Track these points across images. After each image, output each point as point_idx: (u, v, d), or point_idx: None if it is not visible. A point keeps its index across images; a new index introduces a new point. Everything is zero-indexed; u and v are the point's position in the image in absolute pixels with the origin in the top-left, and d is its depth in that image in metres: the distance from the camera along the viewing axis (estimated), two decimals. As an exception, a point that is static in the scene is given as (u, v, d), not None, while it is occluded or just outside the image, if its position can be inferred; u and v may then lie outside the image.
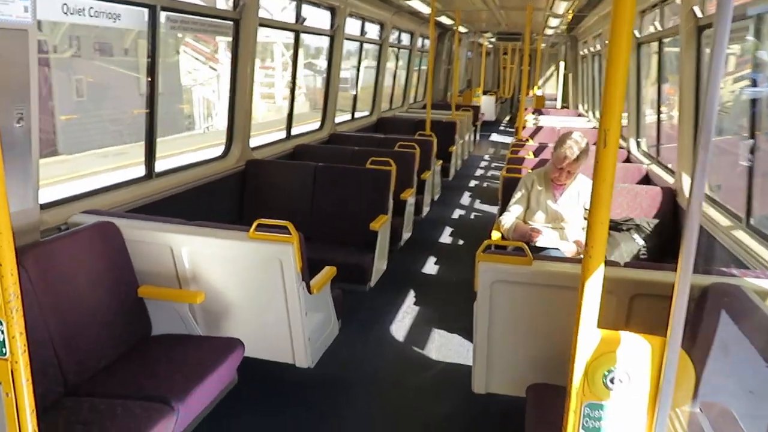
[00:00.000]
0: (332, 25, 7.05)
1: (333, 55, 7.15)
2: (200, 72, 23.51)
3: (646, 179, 5.48)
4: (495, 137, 17.42)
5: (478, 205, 8.84)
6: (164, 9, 3.79)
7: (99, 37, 16.22)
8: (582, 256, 4.18)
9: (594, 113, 11.43)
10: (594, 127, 10.12)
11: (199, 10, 4.30)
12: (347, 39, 7.57)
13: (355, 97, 9.12)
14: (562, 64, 19.35)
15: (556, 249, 3.95)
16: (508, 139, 16.73)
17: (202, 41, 23.10)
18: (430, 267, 5.98)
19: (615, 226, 4.41)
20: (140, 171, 4.07)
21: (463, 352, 4.23)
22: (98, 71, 16.70)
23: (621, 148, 7.06)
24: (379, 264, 4.69)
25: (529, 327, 2.84)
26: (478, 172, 11.65)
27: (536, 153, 6.63)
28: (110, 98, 16.92)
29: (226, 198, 4.95)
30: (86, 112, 16.23)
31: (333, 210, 4.95)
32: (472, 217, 8.22)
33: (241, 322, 3.18)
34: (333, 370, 3.80)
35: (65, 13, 3.00)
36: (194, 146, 14.20)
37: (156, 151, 4.07)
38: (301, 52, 6.66)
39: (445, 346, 4.32)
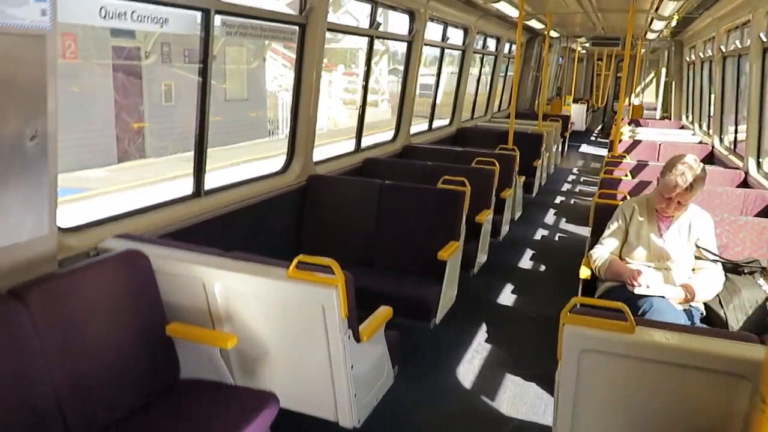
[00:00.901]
0: (410, 30, 6.59)
1: (410, 62, 6.69)
2: (286, 78, 23.80)
3: (772, 209, 4.62)
4: (585, 148, 16.35)
5: (564, 225, 8.08)
6: (219, 12, 3.46)
7: (187, 44, 16.64)
8: (691, 304, 3.52)
9: (700, 125, 10.30)
10: (700, 142, 9.08)
11: (259, 14, 3.95)
12: (427, 45, 7.09)
13: (433, 107, 8.61)
14: (663, 70, 17.96)
15: (662, 297, 3.27)
16: (600, 151, 15.64)
17: (289, 47, 23.40)
18: (507, 297, 5.37)
19: (734, 269, 3.65)
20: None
21: (540, 407, 3.63)
22: (184, 78, 17.16)
23: (736, 168, 6.13)
24: (447, 296, 4.16)
25: (628, 409, 2.24)
26: (565, 187, 10.80)
27: (634, 172, 5.86)
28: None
29: (285, 218, 4.59)
30: (171, 118, 16.70)
31: (398, 233, 4.48)
32: (556, 239, 7.50)
33: (277, 371, 2.75)
34: (384, 426, 3.30)
35: (103, 17, 2.71)
36: (275, 151, 14.19)
37: (206, 167, 3.75)
38: (385, 57, 6.21)
39: (519, 398, 3.73)
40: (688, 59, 11.90)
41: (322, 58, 4.66)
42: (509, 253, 6.48)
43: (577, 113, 16.98)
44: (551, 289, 5.57)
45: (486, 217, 5.12)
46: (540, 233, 7.60)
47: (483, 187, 5.27)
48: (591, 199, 9.74)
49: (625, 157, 6.60)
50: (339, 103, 25.53)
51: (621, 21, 9.74)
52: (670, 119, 13.17)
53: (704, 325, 3.30)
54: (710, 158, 7.86)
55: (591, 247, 3.79)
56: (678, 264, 3.50)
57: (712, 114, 9.41)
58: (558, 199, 9.67)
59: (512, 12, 7.72)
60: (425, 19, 6.58)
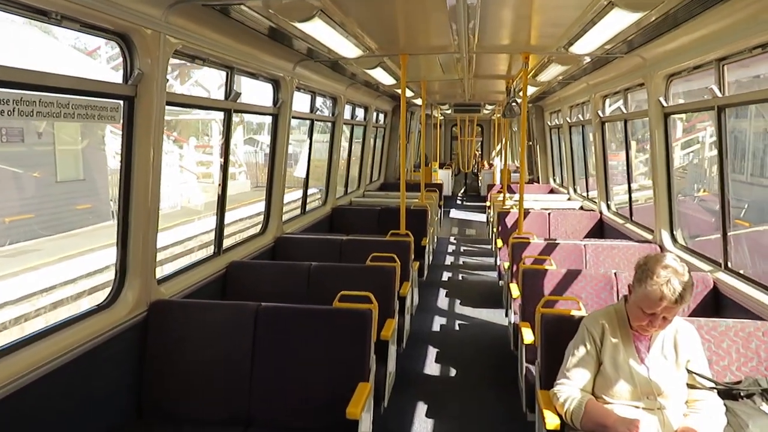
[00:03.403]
0: (275, 101, 5.50)
1: (277, 137, 5.56)
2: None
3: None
4: (456, 213, 16.11)
5: (459, 308, 7.23)
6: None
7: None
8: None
9: (575, 189, 10.22)
10: (581, 207, 8.85)
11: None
12: (296, 117, 6.05)
13: (305, 187, 7.50)
14: (513, 132, 18.55)
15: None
16: (471, 215, 15.46)
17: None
18: (427, 426, 4.25)
19: (728, 392, 2.85)
20: None
21: None
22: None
23: (647, 242, 5.65)
24: None
25: None
26: (448, 260, 10.10)
27: (546, 252, 5.15)
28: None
29: (114, 372, 3.15)
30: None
31: (284, 376, 3.22)
32: (457, 327, 6.58)
33: None
34: None
35: None
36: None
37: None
38: (240, 128, 5.01)
39: None
40: (550, 123, 12.05)
41: (161, 139, 3.39)
42: (412, 361, 5.39)
43: (444, 179, 16.83)
44: (467, 404, 4.56)
45: (391, 331, 4.03)
46: (438, 322, 6.65)
47: (384, 291, 4.21)
48: (479, 273, 9.24)
49: (533, 236, 5.92)
50: (192, 178, 23.64)
51: (491, 86, 9.49)
52: (538, 182, 13.24)
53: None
54: (600, 225, 7.53)
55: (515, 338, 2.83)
56: (671, 400, 2.62)
57: (589, 178, 9.32)
58: (445, 275, 8.88)
59: (387, 80, 6.97)
60: (292, 88, 5.54)
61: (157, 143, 3.32)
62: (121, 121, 3.14)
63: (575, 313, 3.34)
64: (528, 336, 3.83)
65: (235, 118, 4.94)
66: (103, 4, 2.68)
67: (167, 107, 3.44)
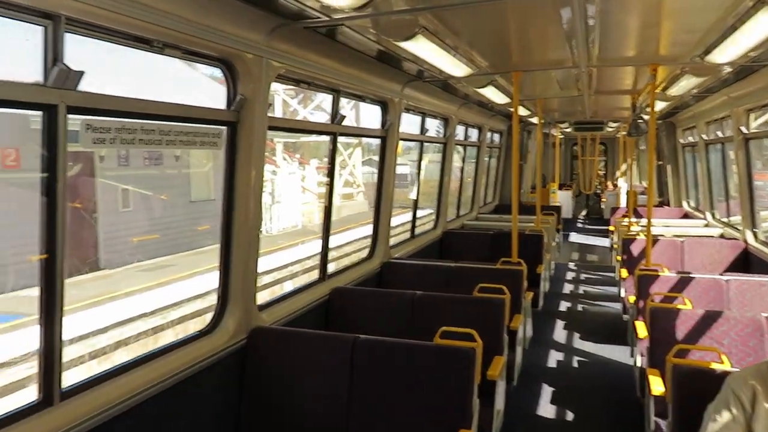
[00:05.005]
0: (383, 123, 5.42)
1: (385, 160, 5.46)
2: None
3: None
4: (576, 237, 15.21)
5: (579, 342, 6.67)
6: (74, 111, 2.15)
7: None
8: None
9: (713, 214, 9.20)
10: (722, 235, 7.91)
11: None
12: (404, 140, 5.93)
13: (414, 210, 7.34)
14: (640, 151, 17.29)
15: None
16: (592, 240, 14.52)
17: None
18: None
19: None
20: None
21: None
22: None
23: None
24: None
25: None
26: (567, 288, 9.45)
27: (679, 288, 4.57)
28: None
29: (213, 397, 3.14)
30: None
31: (381, 411, 3.06)
32: (575, 364, 6.05)
33: None
34: None
35: None
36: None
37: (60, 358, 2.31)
38: (358, 149, 4.97)
39: None
40: (683, 141, 11.04)
41: (262, 164, 3.36)
42: (526, 399, 4.99)
43: (564, 200, 16.00)
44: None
45: (499, 370, 3.71)
46: (554, 358, 6.15)
47: (492, 325, 3.90)
48: (601, 303, 8.56)
49: (663, 269, 5.29)
50: (313, 198, 24.51)
51: (615, 102, 8.84)
52: (668, 205, 12.16)
53: None
54: (745, 258, 6.65)
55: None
56: None
57: (733, 201, 8.35)
58: (563, 306, 8.29)
59: (499, 99, 6.67)
60: (400, 110, 5.43)
61: (258, 168, 3.30)
62: (224, 146, 3.15)
63: (716, 366, 2.85)
64: (657, 387, 3.35)
65: (353, 139, 4.88)
66: (205, 31, 2.68)
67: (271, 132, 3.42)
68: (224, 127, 3.15)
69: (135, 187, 16.58)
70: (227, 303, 3.32)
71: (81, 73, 2.16)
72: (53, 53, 2.09)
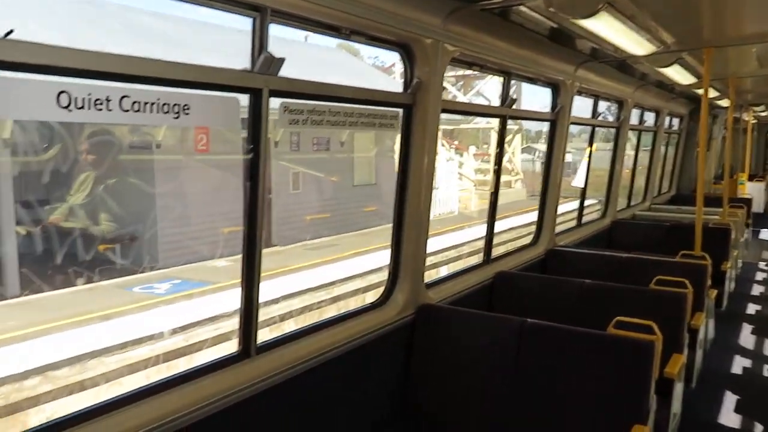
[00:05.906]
0: (554, 107, 5.25)
1: (554, 145, 5.30)
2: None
3: None
4: (767, 234, 13.53)
5: (770, 347, 5.97)
6: (275, 94, 2.40)
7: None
8: None
9: None
10: None
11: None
12: (575, 123, 5.69)
13: (581, 203, 7.02)
14: None
15: None
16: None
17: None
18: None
19: None
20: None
21: None
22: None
23: None
24: None
25: None
26: (756, 290, 8.47)
27: None
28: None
29: (382, 369, 3.32)
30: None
31: (546, 399, 3.02)
32: (766, 373, 5.43)
33: None
34: None
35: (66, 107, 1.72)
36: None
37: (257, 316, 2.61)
38: (518, 136, 4.92)
39: None
40: None
41: (435, 146, 3.44)
42: (705, 404, 4.59)
43: (755, 193, 14.27)
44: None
45: (678, 368, 3.46)
46: (740, 364, 5.57)
47: (671, 320, 3.64)
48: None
49: None
50: (470, 185, 24.43)
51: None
52: None
53: None
54: None
55: None
56: None
57: None
58: (751, 309, 7.45)
59: (684, 79, 6.12)
60: (572, 92, 5.21)
61: (431, 151, 3.38)
62: (400, 129, 3.27)
63: None
64: None
65: (513, 125, 4.84)
66: (387, 17, 2.81)
67: (444, 115, 3.49)
68: (400, 110, 3.28)
69: (306, 169, 17.71)
70: (397, 279, 3.46)
71: (282, 60, 2.37)
72: (260, 42, 2.33)
